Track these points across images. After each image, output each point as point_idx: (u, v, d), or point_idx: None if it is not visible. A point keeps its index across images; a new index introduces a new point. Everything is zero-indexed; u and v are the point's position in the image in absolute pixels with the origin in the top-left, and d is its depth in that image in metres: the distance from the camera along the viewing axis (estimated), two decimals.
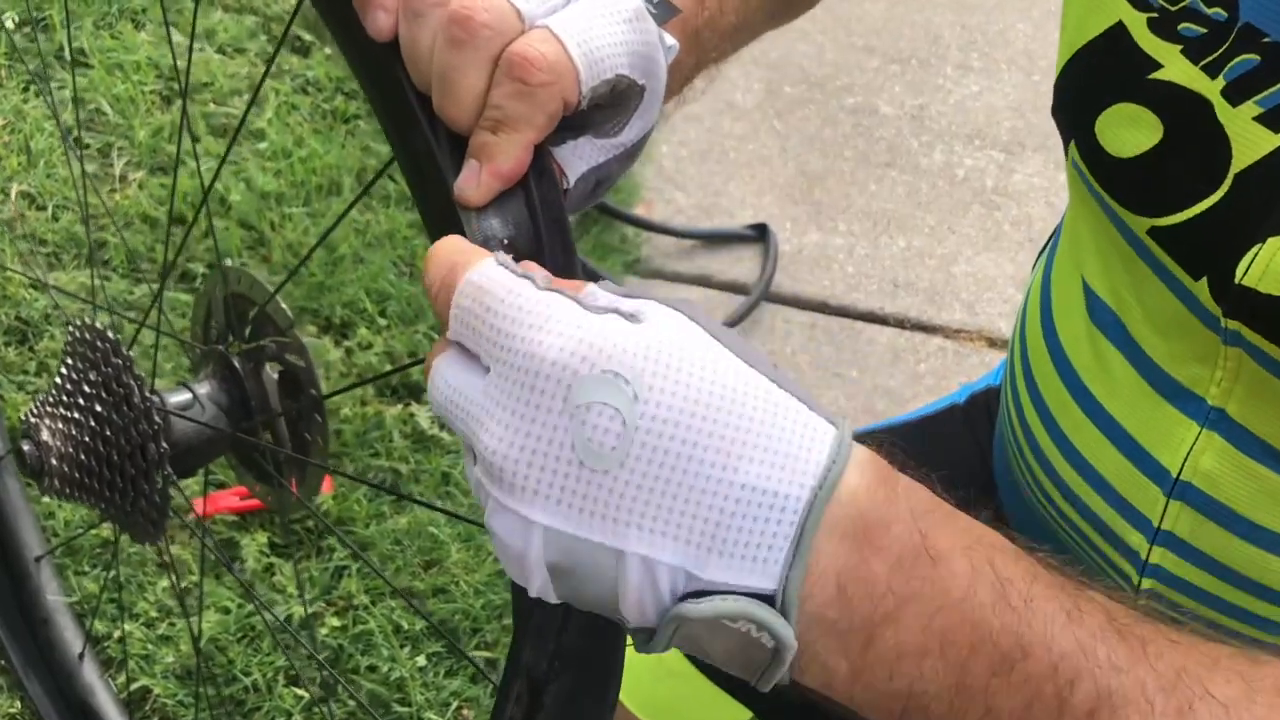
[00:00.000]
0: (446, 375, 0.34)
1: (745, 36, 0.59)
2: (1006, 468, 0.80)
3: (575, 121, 0.40)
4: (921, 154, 1.75)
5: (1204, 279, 0.54)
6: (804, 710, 1.10)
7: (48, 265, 1.23)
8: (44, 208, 1.28)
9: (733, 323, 1.46)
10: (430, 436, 1.19)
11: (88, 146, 1.34)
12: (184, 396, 0.48)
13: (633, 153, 0.45)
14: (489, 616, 1.10)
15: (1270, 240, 0.49)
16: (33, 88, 1.37)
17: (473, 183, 0.38)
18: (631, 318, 0.33)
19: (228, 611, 1.03)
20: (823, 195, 1.66)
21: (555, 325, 0.32)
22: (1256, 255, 0.50)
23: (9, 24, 1.41)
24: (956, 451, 0.90)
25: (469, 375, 0.34)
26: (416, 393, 1.23)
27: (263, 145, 1.37)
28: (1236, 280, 0.50)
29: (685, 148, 1.67)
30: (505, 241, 0.36)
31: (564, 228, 0.37)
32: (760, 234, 1.57)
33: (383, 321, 1.25)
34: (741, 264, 1.55)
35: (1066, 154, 0.67)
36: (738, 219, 1.60)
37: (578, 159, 0.43)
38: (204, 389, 0.48)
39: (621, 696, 1.09)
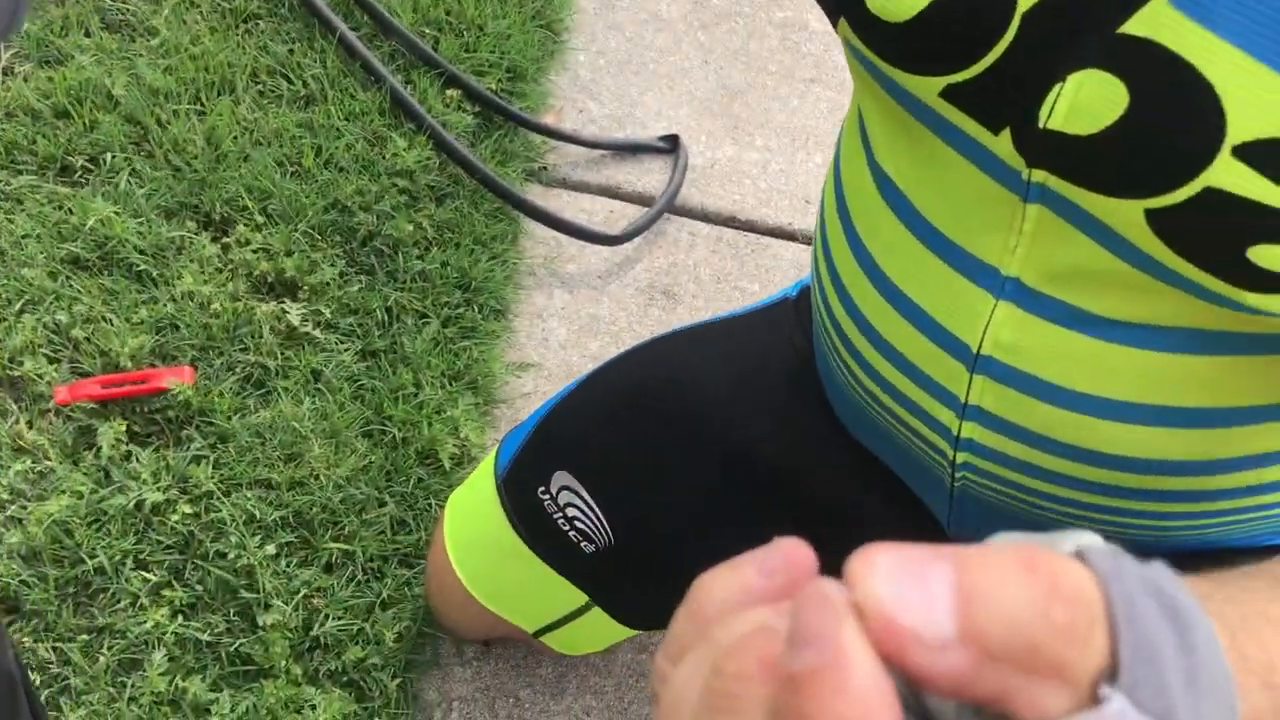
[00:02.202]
0: None
1: None
2: (824, 360, 0.80)
3: None
4: (848, 70, 1.71)
5: (1005, 131, 0.52)
6: (639, 598, 1.10)
7: None
8: None
9: (635, 233, 1.45)
10: (303, 334, 1.20)
11: None
12: None
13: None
14: (347, 510, 1.10)
15: (1071, 77, 0.47)
16: None
17: None
18: None
19: (80, 497, 1.04)
20: (742, 109, 1.64)
21: None
22: (1059, 95, 0.48)
23: None
24: (786, 345, 0.90)
25: None
26: (293, 290, 1.23)
27: (155, 41, 1.36)
28: (1041, 125, 0.49)
29: (604, 57, 1.65)
30: None
31: None
32: (671, 146, 1.55)
33: (262, 219, 1.25)
34: (651, 175, 1.54)
35: (837, 30, 0.66)
36: (651, 130, 1.58)
37: None
38: None
39: (466, 583, 1.10)
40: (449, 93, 1.42)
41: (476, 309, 1.30)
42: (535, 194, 1.47)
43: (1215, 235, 0.47)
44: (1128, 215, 0.49)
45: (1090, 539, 0.25)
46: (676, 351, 0.95)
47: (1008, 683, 0.22)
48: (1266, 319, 0.51)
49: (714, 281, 1.46)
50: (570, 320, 1.38)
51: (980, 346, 0.59)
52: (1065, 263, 0.54)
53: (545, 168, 1.50)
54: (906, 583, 0.22)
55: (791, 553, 0.27)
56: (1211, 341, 0.54)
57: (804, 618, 0.23)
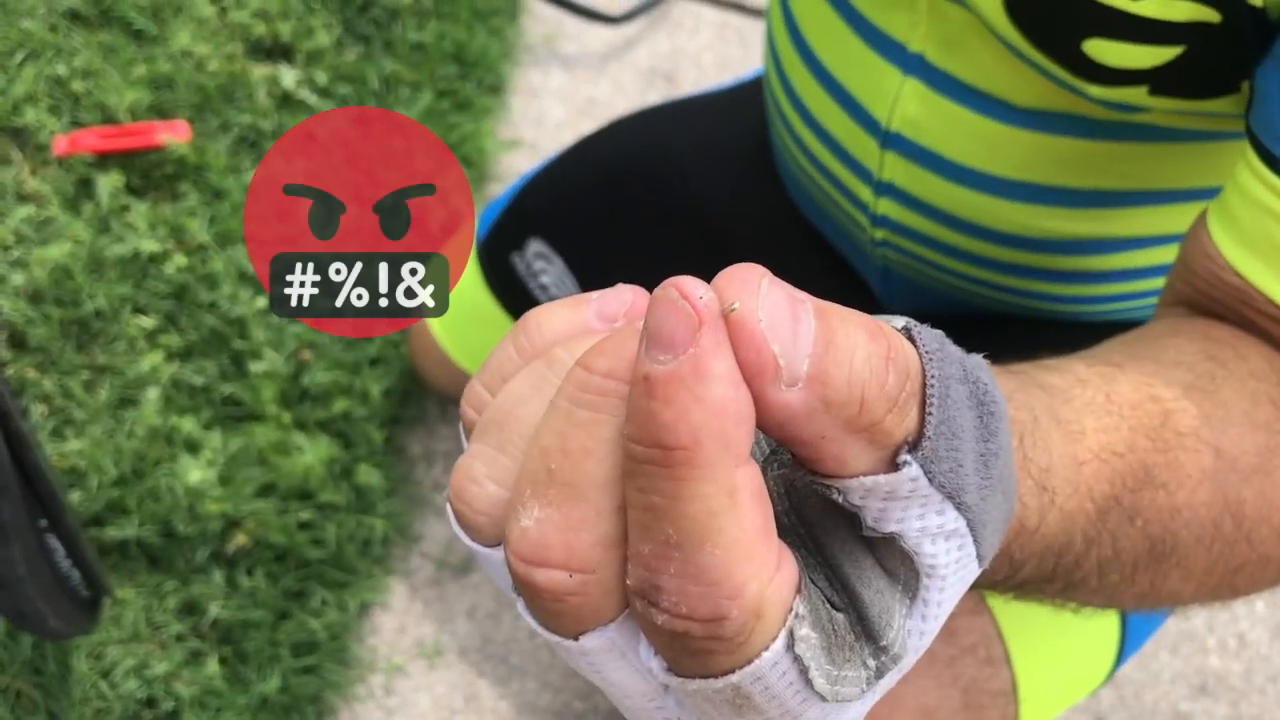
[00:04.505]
0: None
1: None
2: (771, 135, 0.83)
3: None
4: None
5: None
6: None
7: None
8: None
9: (638, 12, 1.43)
10: (297, 101, 1.21)
11: None
12: None
13: None
14: None
15: None
16: None
17: None
18: None
19: (80, 243, 1.09)
20: None
21: None
22: None
23: None
24: (758, 119, 0.92)
25: None
26: (288, 54, 1.24)
27: None
28: None
29: None
30: None
31: None
32: None
33: None
34: None
35: None
36: None
37: None
38: None
39: (443, 343, 1.15)
40: None
41: (473, 83, 1.31)
42: None
43: (1055, 25, 0.50)
44: (988, 1, 0.51)
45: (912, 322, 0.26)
46: (655, 123, 0.97)
47: (826, 431, 0.22)
48: (1123, 112, 0.53)
49: (716, 68, 1.45)
50: (566, 101, 1.39)
51: (890, 122, 0.62)
52: (964, 42, 0.57)
53: None
54: (781, 314, 0.22)
55: (634, 300, 0.26)
56: (1084, 126, 0.56)
57: (661, 319, 0.21)
